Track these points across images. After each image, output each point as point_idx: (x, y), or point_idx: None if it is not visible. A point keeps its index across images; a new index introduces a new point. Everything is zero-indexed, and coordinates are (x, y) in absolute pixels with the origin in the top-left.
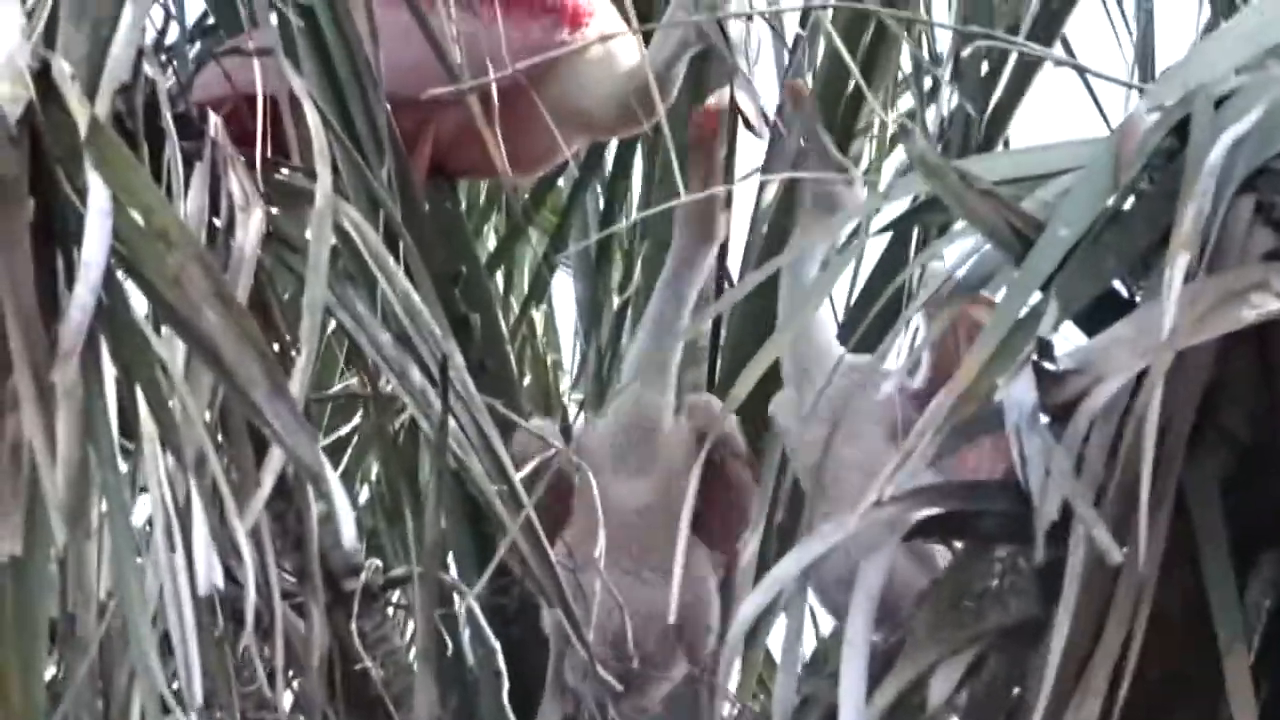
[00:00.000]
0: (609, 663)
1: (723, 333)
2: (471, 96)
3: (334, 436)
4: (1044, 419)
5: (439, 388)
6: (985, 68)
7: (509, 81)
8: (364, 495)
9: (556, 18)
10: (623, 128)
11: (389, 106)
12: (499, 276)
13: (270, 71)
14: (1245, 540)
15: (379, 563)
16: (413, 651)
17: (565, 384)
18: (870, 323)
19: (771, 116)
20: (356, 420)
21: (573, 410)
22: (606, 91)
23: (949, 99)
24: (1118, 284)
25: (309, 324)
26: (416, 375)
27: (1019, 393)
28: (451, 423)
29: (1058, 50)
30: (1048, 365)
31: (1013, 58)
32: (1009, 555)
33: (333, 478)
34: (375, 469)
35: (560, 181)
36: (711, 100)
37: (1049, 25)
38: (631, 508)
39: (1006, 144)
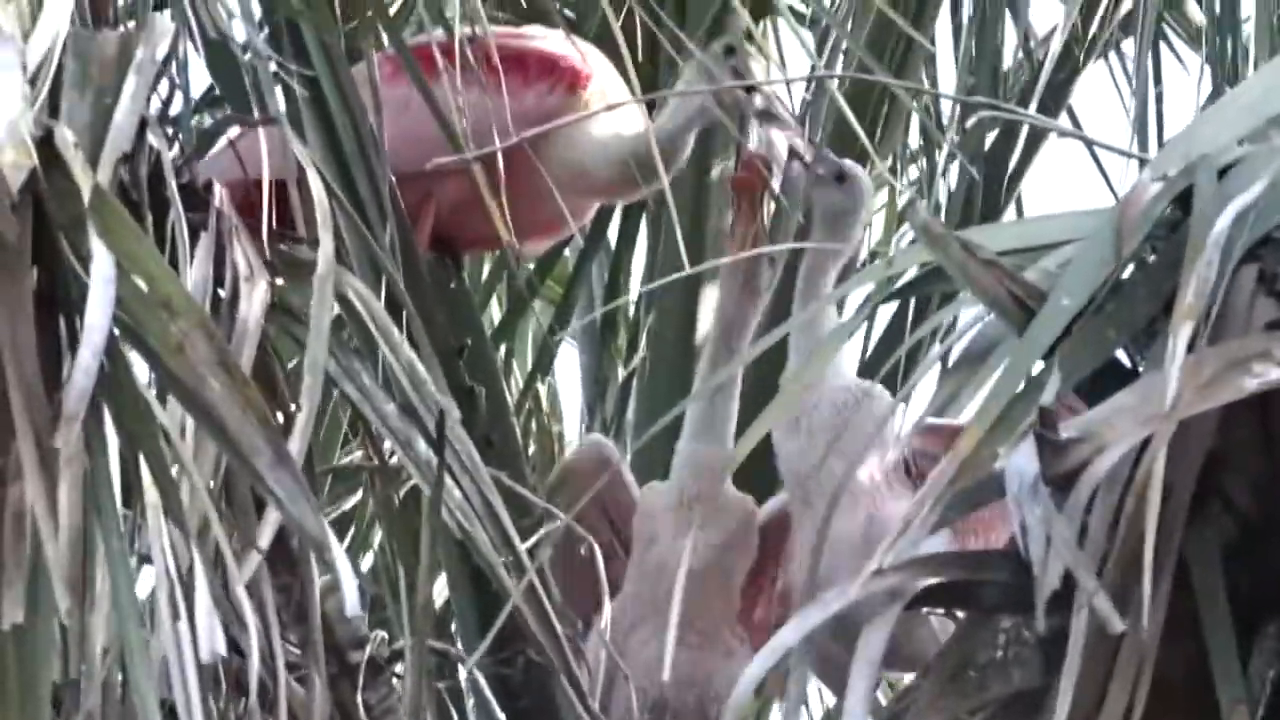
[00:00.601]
0: None
1: None
2: (475, 164)
3: (339, 510)
4: (1045, 488)
5: (439, 449)
6: (992, 137)
7: (510, 148)
8: (369, 562)
9: (554, 81)
10: (623, 191)
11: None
12: (504, 348)
13: (276, 142)
14: (1248, 609)
15: (385, 634)
16: None
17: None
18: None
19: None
20: (361, 490)
21: None
22: (606, 153)
23: (953, 168)
24: (1120, 353)
25: (309, 383)
26: (422, 446)
27: (1021, 461)
28: (457, 494)
29: (1064, 120)
30: (1049, 434)
31: (1025, 128)
32: (1013, 626)
33: (337, 548)
34: (380, 538)
35: (565, 252)
36: (753, 148)
37: (1056, 95)
38: (682, 569)
39: (1021, 207)
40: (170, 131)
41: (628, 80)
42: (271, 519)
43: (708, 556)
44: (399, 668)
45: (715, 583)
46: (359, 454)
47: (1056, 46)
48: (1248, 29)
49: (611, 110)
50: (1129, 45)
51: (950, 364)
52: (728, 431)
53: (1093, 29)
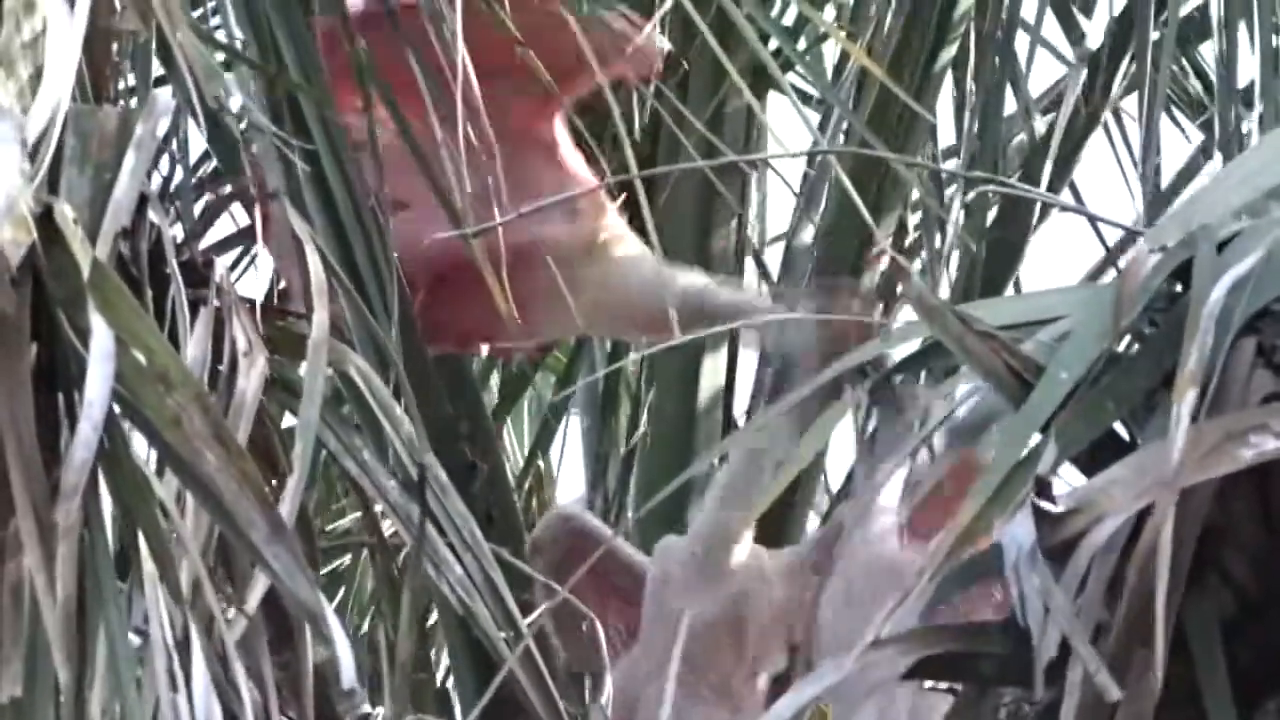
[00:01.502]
0: None
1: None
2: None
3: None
4: (1042, 558)
5: (445, 538)
6: (995, 211)
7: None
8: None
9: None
10: (649, 333)
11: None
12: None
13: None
14: (1246, 684)
15: (383, 710)
16: None
17: None
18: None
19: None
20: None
21: None
22: (655, 294)
23: (950, 241)
24: (1117, 426)
25: (301, 448)
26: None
27: (1017, 532)
28: (458, 569)
29: (1066, 194)
30: (1046, 504)
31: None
32: (1013, 700)
33: (333, 619)
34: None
35: None
36: None
37: (1059, 169)
38: (696, 624)
39: (1019, 285)
40: (170, 207)
41: (624, 158)
42: (260, 585)
43: (720, 610)
44: None
45: (727, 636)
46: (352, 518)
47: (1063, 117)
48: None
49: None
50: (1130, 104)
51: (947, 438)
52: (752, 499)
53: (1095, 97)
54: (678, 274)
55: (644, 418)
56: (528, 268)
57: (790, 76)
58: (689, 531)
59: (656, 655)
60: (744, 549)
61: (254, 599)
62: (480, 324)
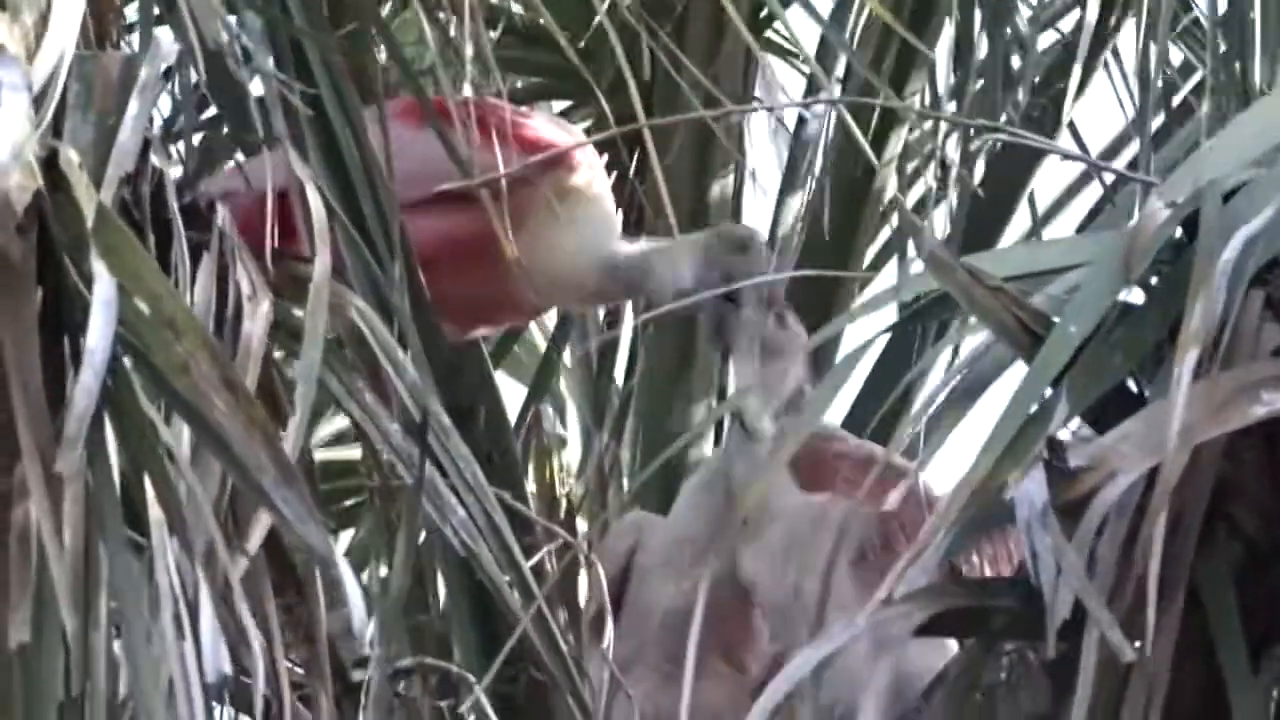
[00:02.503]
0: None
1: None
2: (483, 202)
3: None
4: (1055, 516)
5: (446, 480)
6: (989, 158)
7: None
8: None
9: (547, 162)
10: (594, 303)
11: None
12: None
13: (278, 163)
14: (1254, 632)
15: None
16: None
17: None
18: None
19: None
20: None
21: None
22: (592, 262)
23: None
24: (1128, 379)
25: (303, 390)
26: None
27: (1030, 490)
28: (460, 511)
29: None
30: (1058, 462)
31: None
32: (1016, 650)
33: (344, 565)
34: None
35: None
36: None
37: (1057, 111)
38: (676, 609)
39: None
40: (173, 150)
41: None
42: (261, 526)
43: (692, 597)
44: (400, 685)
45: (708, 620)
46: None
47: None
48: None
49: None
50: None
51: (956, 393)
52: (728, 485)
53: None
54: (621, 246)
55: (640, 355)
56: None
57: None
58: (671, 514)
59: (633, 642)
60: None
61: (255, 540)
62: (466, 307)
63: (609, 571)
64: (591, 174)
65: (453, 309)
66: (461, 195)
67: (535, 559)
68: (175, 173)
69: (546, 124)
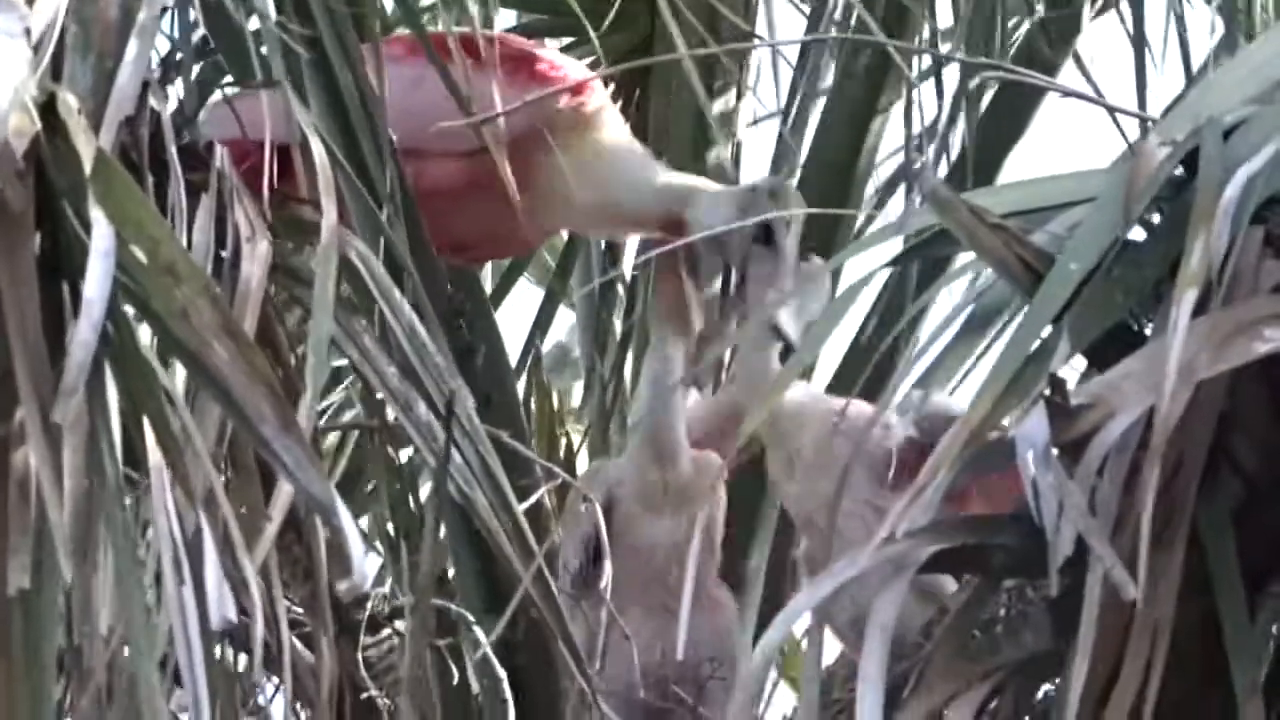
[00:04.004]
0: (638, 699)
1: None
2: (490, 140)
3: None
4: (1056, 454)
5: (443, 421)
6: (989, 96)
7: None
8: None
9: (564, 87)
10: (636, 230)
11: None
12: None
13: (277, 102)
14: (1253, 567)
15: (384, 591)
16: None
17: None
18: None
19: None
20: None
21: (576, 439)
22: (637, 190)
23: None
24: (1128, 317)
25: (314, 362)
26: (422, 408)
27: (1031, 428)
28: (457, 457)
29: (1064, 75)
30: (1060, 400)
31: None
32: (1016, 587)
33: (344, 510)
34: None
35: None
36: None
37: (1060, 48)
38: (661, 545)
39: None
40: (170, 90)
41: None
42: (285, 493)
43: (683, 532)
44: (399, 624)
45: (688, 556)
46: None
47: None
48: None
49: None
50: None
51: (956, 330)
52: (679, 427)
53: None
54: (660, 171)
55: (640, 298)
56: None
57: None
58: (628, 456)
59: (625, 586)
60: (691, 463)
61: (278, 511)
62: (473, 234)
63: (590, 518)
64: (603, 100)
65: (463, 243)
66: (475, 132)
67: (533, 499)
68: (171, 108)
69: (557, 55)
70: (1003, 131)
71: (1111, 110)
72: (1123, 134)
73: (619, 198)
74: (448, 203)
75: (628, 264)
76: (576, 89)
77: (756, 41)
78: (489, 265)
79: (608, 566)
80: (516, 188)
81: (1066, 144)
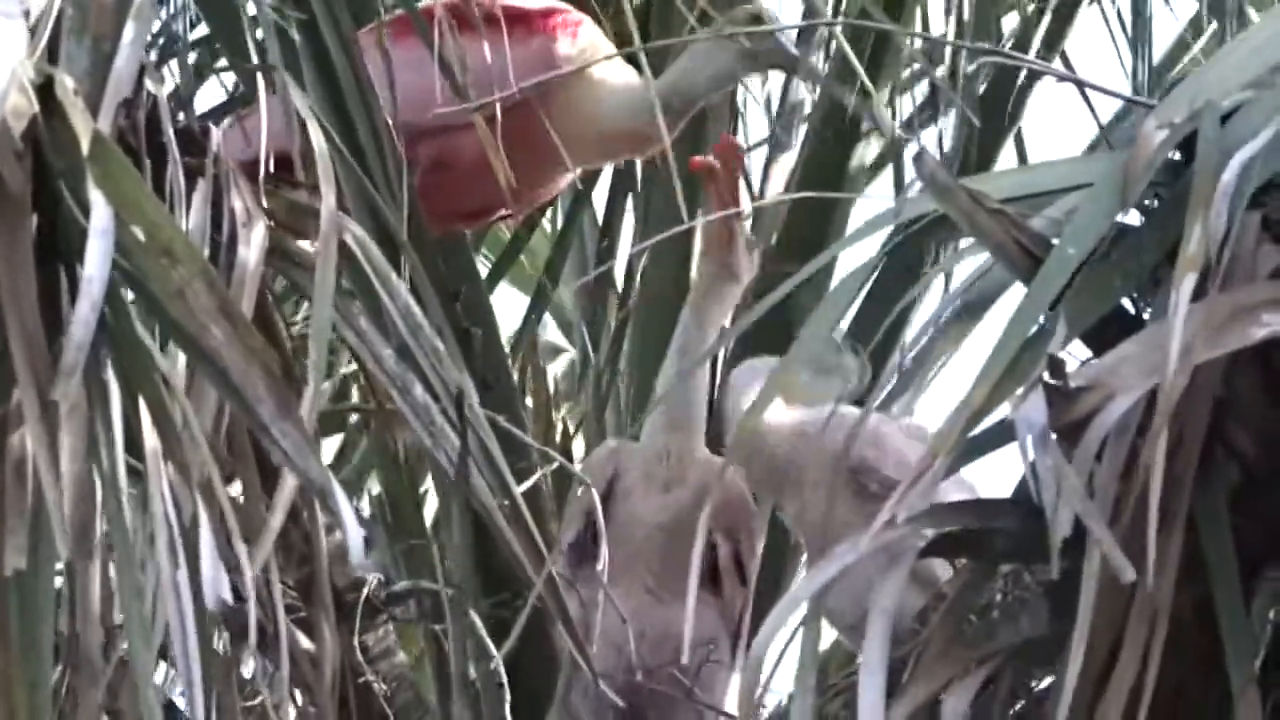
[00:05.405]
0: (620, 680)
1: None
2: (478, 116)
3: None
4: (1055, 437)
5: (440, 405)
6: (985, 82)
7: (516, 100)
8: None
9: (554, 30)
10: (637, 142)
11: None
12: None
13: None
14: (1249, 553)
15: (382, 577)
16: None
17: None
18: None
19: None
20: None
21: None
22: (623, 101)
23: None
24: (1125, 301)
25: (316, 351)
26: (419, 391)
27: (1030, 411)
28: (454, 437)
29: (1057, 63)
30: (1058, 383)
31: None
32: (1012, 571)
33: (341, 495)
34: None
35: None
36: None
37: (1049, 40)
38: (656, 525)
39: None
40: (167, 74)
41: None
42: (289, 484)
43: (679, 514)
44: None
45: (681, 540)
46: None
47: None
48: None
49: (611, 60)
50: None
51: (954, 314)
52: (700, 400)
53: None
54: (633, 75)
55: (637, 281)
56: (519, 114)
57: None
58: (644, 436)
59: (615, 561)
60: (700, 454)
61: (280, 501)
62: (480, 197)
63: (586, 500)
64: (593, 33)
65: (489, 206)
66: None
67: (531, 481)
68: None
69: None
70: (995, 122)
71: (1114, 96)
72: (1099, 122)
73: (617, 123)
74: (482, 170)
75: (622, 260)
76: (572, 30)
77: (759, 29)
78: (482, 256)
79: (604, 549)
80: (535, 140)
81: (1059, 134)
